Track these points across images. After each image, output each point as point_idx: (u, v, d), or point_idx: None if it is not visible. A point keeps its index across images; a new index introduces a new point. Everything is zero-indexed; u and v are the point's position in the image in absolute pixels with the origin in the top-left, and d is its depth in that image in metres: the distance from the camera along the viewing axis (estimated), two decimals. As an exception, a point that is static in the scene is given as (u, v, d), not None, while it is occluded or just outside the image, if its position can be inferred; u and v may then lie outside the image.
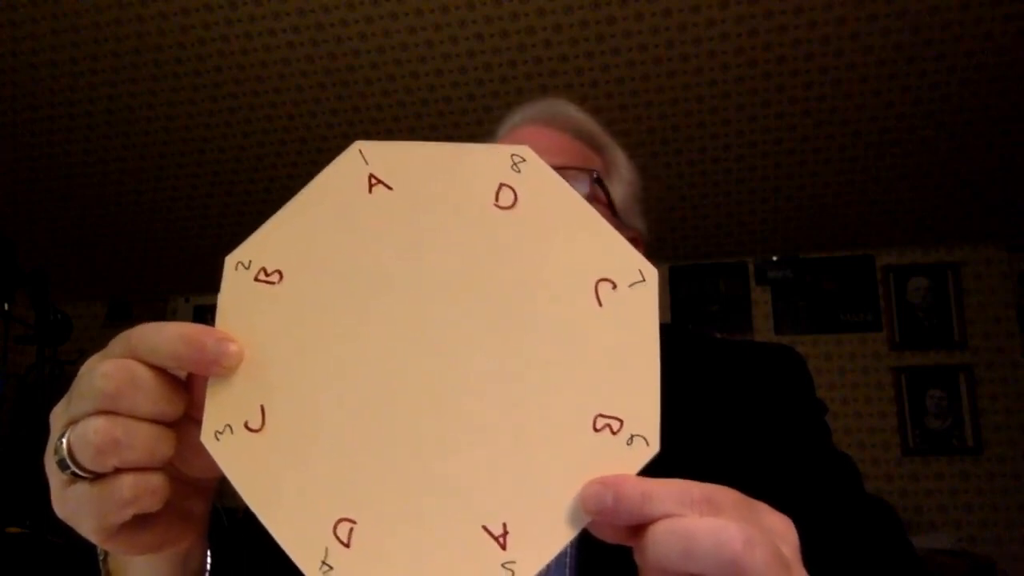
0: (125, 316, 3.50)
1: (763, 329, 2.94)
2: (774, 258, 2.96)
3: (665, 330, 0.32)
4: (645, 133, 2.37)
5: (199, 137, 2.50)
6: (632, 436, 0.30)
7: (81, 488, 0.32)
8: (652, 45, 2.04)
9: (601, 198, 0.67)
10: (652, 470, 0.30)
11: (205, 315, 3.37)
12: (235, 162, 2.61)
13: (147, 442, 0.31)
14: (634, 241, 0.72)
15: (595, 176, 0.66)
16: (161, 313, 3.45)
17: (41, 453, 0.33)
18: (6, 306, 2.51)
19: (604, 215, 0.34)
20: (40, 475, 0.34)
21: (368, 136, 2.41)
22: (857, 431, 2.80)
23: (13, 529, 2.06)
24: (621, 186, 0.73)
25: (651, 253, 0.49)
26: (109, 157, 2.61)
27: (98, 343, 0.33)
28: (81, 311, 3.48)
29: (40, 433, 0.34)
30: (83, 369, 0.33)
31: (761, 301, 2.96)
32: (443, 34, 2.04)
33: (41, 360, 2.59)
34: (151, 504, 0.32)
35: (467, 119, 2.34)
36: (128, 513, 0.32)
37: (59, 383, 2.72)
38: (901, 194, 2.57)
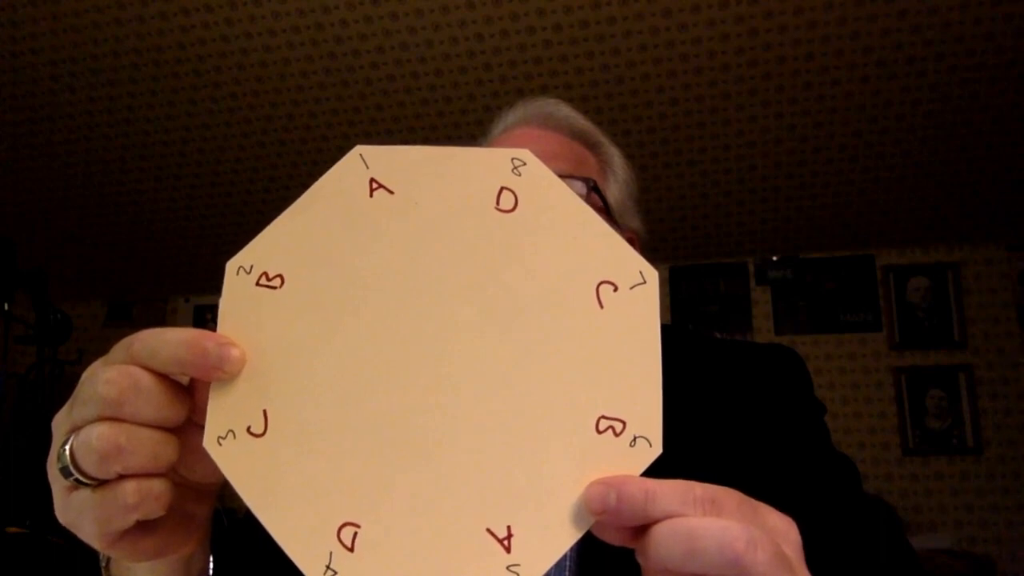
0: (125, 316, 3.50)
1: (763, 329, 2.94)
2: (774, 258, 2.96)
3: (665, 330, 0.33)
4: (645, 133, 2.37)
5: (199, 137, 2.50)
6: (635, 437, 0.30)
7: (84, 495, 0.32)
8: (652, 45, 2.04)
9: (597, 204, 0.67)
10: (653, 471, 0.30)
11: (205, 315, 3.37)
12: (235, 162, 2.61)
13: (150, 448, 0.31)
14: (630, 242, 0.72)
15: (591, 184, 0.66)
16: (161, 313, 3.45)
17: (42, 453, 0.33)
18: (6, 306, 2.50)
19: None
20: (41, 475, 0.34)
21: (368, 137, 2.41)
22: (857, 431, 2.80)
23: (13, 529, 2.05)
24: (616, 185, 0.73)
25: (651, 253, 0.49)
26: (109, 157, 2.61)
27: (98, 343, 0.33)
28: (81, 311, 3.48)
29: (41, 433, 0.35)
30: (85, 375, 0.33)
31: (761, 301, 2.96)
32: (443, 34, 2.04)
33: (41, 360, 2.59)
34: (154, 510, 0.32)
35: (467, 119, 2.34)
36: (131, 519, 0.32)
37: (59, 383, 2.72)
38: (901, 194, 2.57)
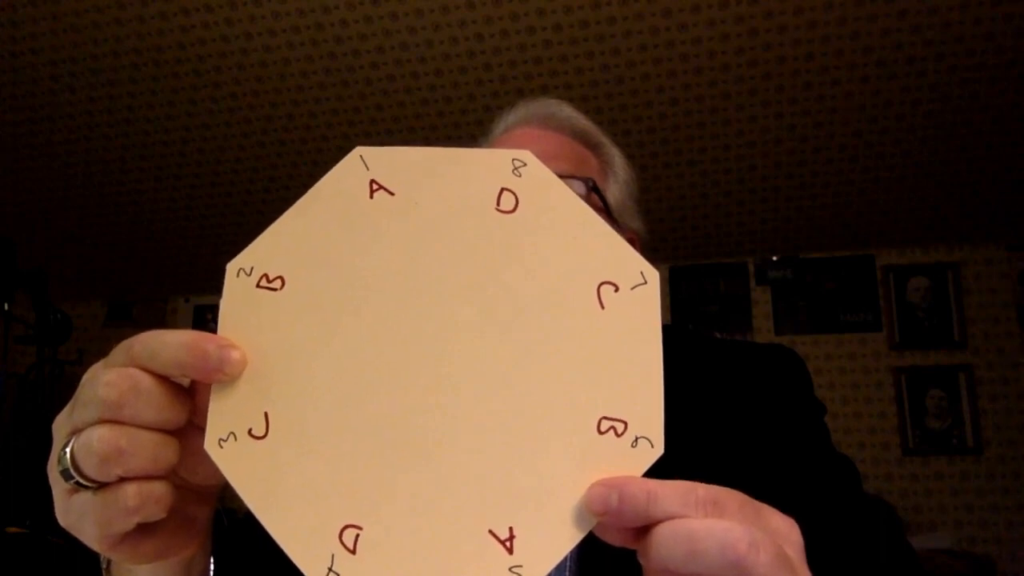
0: (125, 316, 3.50)
1: (763, 329, 2.94)
2: (774, 258, 2.96)
3: (665, 330, 0.33)
4: (645, 133, 2.37)
5: (199, 137, 2.50)
6: (636, 438, 0.30)
7: (84, 497, 0.32)
8: (652, 45, 2.04)
9: (597, 204, 0.67)
10: (655, 471, 0.30)
11: (205, 315, 3.37)
12: (235, 162, 2.61)
13: (151, 450, 0.31)
14: (631, 242, 0.72)
15: (591, 184, 0.66)
16: (161, 313, 3.45)
17: (42, 454, 0.33)
18: (6, 306, 2.50)
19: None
20: (41, 475, 0.34)
21: (368, 137, 2.41)
22: (857, 431, 2.80)
23: (13, 529, 2.05)
24: (617, 186, 0.73)
25: (651, 253, 0.49)
26: (109, 157, 2.61)
27: (98, 343, 0.33)
28: (81, 311, 3.48)
29: (41, 433, 0.35)
30: (85, 377, 0.32)
31: (761, 301, 2.96)
32: (443, 34, 2.04)
33: (41, 360, 2.59)
34: (155, 512, 0.32)
35: (467, 119, 2.34)
36: (132, 522, 0.31)
37: (59, 383, 2.72)
38: (901, 194, 2.57)
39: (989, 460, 2.69)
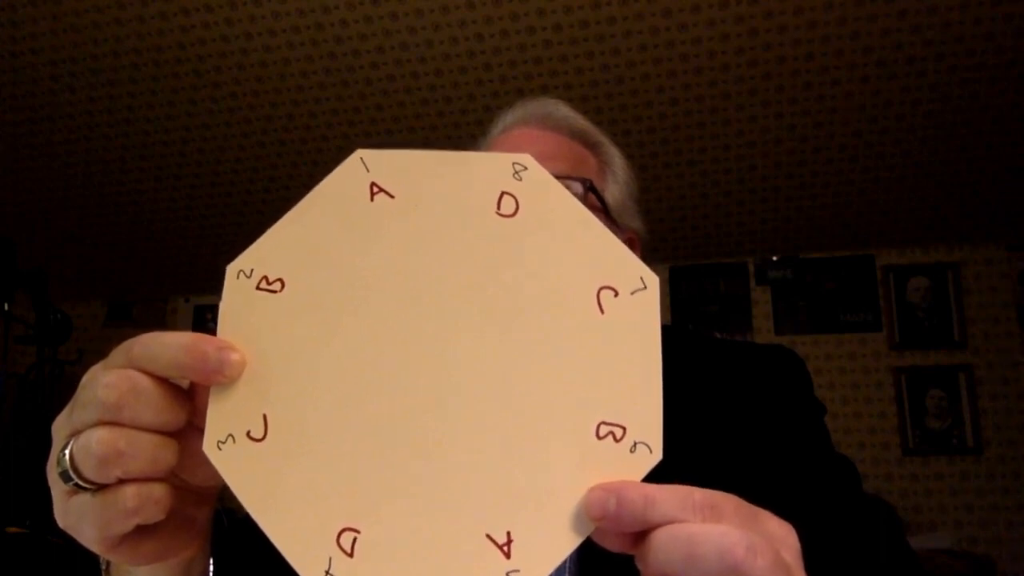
0: (125, 316, 3.50)
1: (763, 329, 2.94)
2: (774, 258, 2.96)
3: (665, 331, 0.33)
4: (645, 133, 2.36)
5: (199, 137, 2.50)
6: (635, 443, 0.30)
7: (84, 499, 0.32)
8: (652, 45, 2.04)
9: (594, 204, 0.67)
10: (653, 474, 0.30)
11: (205, 315, 3.37)
12: (235, 162, 2.61)
13: (150, 452, 0.31)
14: (630, 242, 0.72)
15: (588, 185, 0.66)
16: (161, 313, 3.45)
17: (42, 454, 0.33)
18: (6, 306, 2.50)
19: (599, 219, 0.34)
20: (41, 475, 0.34)
21: (368, 137, 2.41)
22: (857, 431, 2.80)
23: (13, 529, 2.05)
24: (616, 185, 0.72)
25: (651, 253, 0.49)
26: (109, 157, 2.61)
27: (98, 343, 0.33)
28: (81, 311, 3.47)
29: (41, 433, 0.35)
30: (85, 379, 0.33)
31: (761, 301, 2.96)
32: (443, 34, 2.04)
33: (41, 360, 2.59)
34: (154, 514, 0.32)
35: (467, 119, 2.34)
36: (131, 523, 0.31)
37: (59, 383, 2.72)
38: (901, 194, 2.57)
39: (989, 460, 2.69)
